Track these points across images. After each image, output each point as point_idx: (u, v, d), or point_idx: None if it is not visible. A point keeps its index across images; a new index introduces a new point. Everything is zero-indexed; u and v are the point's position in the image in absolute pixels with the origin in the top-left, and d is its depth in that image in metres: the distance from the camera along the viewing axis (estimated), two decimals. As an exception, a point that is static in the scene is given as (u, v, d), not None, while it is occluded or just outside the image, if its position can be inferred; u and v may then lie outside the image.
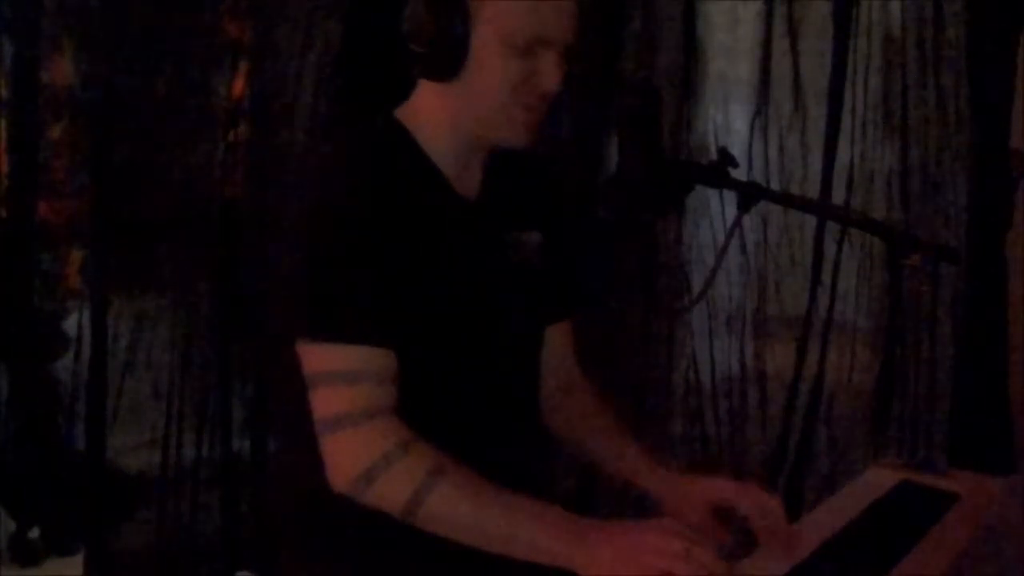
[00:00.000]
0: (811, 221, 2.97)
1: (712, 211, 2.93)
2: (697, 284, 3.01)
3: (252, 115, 2.75)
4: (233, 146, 2.74)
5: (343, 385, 1.23)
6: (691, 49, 2.98)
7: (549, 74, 1.28)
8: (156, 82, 2.69)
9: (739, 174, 1.39)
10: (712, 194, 2.82)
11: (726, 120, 3.05)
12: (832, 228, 2.95)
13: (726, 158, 1.37)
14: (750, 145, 3.01)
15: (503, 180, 1.41)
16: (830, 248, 2.98)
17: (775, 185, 2.96)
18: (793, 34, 2.97)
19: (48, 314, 2.79)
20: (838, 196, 2.95)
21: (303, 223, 1.29)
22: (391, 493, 1.21)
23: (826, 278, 2.99)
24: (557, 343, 1.51)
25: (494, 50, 1.26)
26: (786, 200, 2.06)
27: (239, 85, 2.73)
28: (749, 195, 1.38)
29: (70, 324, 2.74)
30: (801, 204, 2.43)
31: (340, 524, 1.32)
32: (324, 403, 1.24)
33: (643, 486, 1.40)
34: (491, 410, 1.37)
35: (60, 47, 2.70)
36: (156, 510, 2.71)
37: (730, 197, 1.41)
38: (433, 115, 1.34)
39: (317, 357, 1.25)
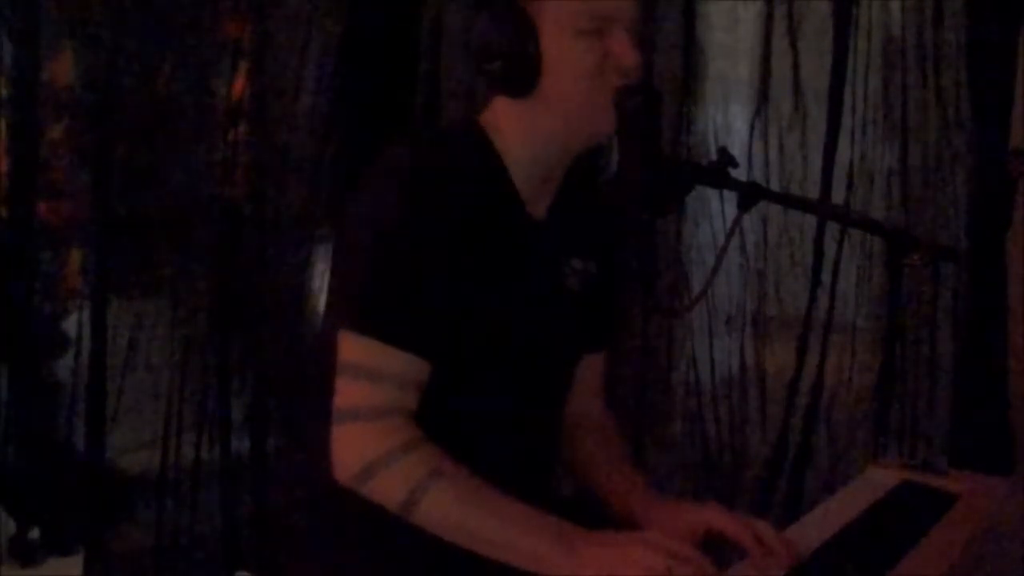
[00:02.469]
0: (811, 221, 2.97)
1: (712, 211, 2.93)
2: (697, 284, 3.01)
3: (252, 115, 2.75)
4: (233, 146, 2.73)
5: (366, 380, 1.24)
6: (691, 49, 2.97)
7: (624, 50, 1.28)
8: (156, 82, 2.69)
9: (739, 174, 1.39)
10: (712, 194, 2.83)
11: (726, 120, 3.04)
12: (832, 228, 2.95)
13: (726, 158, 1.37)
14: (750, 145, 3.01)
15: (572, 205, 1.41)
16: (830, 248, 2.97)
17: (775, 185, 2.96)
18: (793, 34, 2.96)
19: (48, 314, 2.79)
20: (838, 196, 2.94)
21: (373, 215, 1.28)
22: (388, 490, 1.22)
23: (826, 278, 2.98)
24: (587, 374, 1.52)
25: (566, 44, 1.26)
26: (786, 200, 2.06)
27: (239, 85, 2.73)
28: (749, 195, 1.38)
29: (70, 324, 2.74)
30: (801, 204, 2.43)
31: (345, 521, 1.32)
32: (345, 392, 1.25)
33: (630, 510, 1.40)
34: (517, 428, 1.38)
35: (60, 47, 2.70)
36: (156, 510, 2.71)
37: (730, 197, 1.41)
38: (515, 128, 1.33)
39: (351, 346, 1.25)
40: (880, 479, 1.52)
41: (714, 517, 1.31)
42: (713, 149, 2.48)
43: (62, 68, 2.70)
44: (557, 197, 1.39)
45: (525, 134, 1.33)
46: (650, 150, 1.35)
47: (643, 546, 1.13)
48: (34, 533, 2.76)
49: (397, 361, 1.24)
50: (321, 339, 1.32)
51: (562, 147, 1.35)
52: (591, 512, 1.37)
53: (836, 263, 2.97)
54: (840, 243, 2.96)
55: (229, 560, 2.75)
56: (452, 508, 1.21)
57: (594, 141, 1.36)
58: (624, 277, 1.61)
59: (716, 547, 1.29)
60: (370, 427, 1.23)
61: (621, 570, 1.12)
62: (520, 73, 1.27)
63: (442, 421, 1.27)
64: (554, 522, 1.20)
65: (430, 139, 1.36)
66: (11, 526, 2.75)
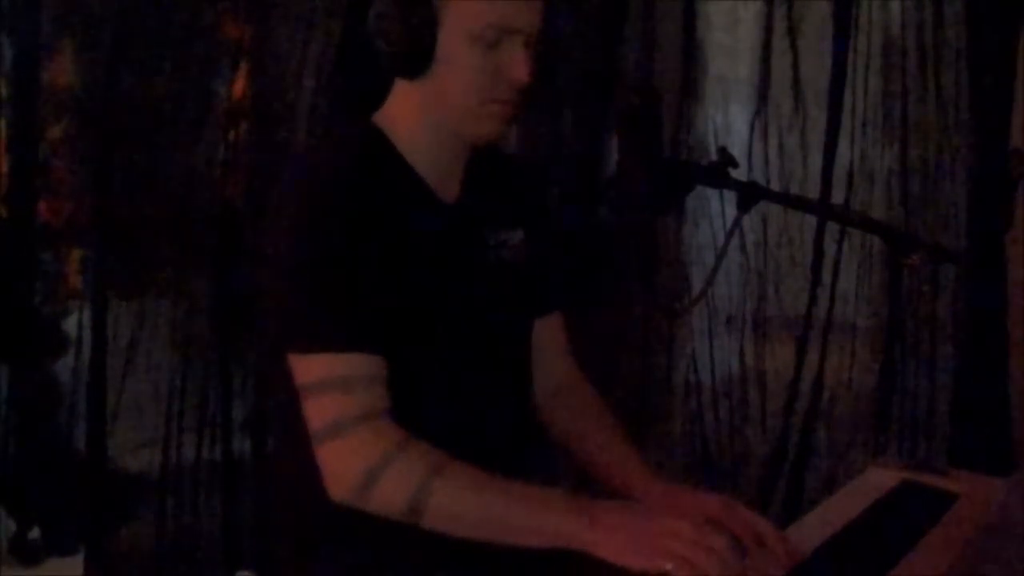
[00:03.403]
0: (811, 221, 2.97)
1: (712, 211, 2.93)
2: (697, 284, 3.01)
3: (252, 115, 2.74)
4: (233, 146, 2.73)
5: (336, 392, 1.23)
6: (691, 49, 2.98)
7: (517, 64, 1.28)
8: (156, 82, 2.69)
9: (739, 174, 1.39)
10: (712, 194, 2.83)
11: (726, 120, 3.05)
12: (832, 228, 2.95)
13: (726, 158, 1.37)
14: (750, 145, 3.01)
15: (483, 181, 1.41)
16: (830, 248, 2.98)
17: (775, 185, 2.96)
18: (793, 34, 2.97)
19: (48, 314, 2.79)
20: (838, 196, 2.95)
21: (284, 234, 1.29)
22: (393, 494, 1.20)
23: (826, 278, 2.98)
24: (548, 339, 1.52)
25: (460, 45, 1.27)
26: (786, 200, 2.07)
27: (239, 85, 2.73)
28: (749, 195, 1.39)
29: (70, 324, 2.74)
30: (801, 204, 2.43)
31: (336, 530, 1.32)
32: (317, 412, 1.24)
33: (631, 493, 1.39)
34: (481, 407, 1.37)
35: (60, 47, 2.70)
36: (156, 510, 2.71)
37: (730, 197, 1.41)
38: (409, 117, 1.35)
39: (306, 368, 1.25)
40: (880, 479, 1.52)
41: (715, 509, 1.29)
42: (713, 149, 2.49)
43: (62, 68, 2.70)
44: (466, 177, 1.40)
45: (420, 121, 1.34)
46: (650, 150, 1.35)
47: (673, 517, 1.12)
48: (34, 533, 2.76)
49: (354, 365, 1.23)
50: (273, 365, 1.31)
51: (454, 138, 1.35)
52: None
53: (836, 263, 2.98)
54: (840, 243, 2.96)
55: (229, 560, 2.75)
56: (463, 499, 1.19)
57: (480, 142, 1.36)
58: (565, 242, 1.60)
59: None
60: (355, 437, 1.22)
61: (652, 540, 1.11)
62: (413, 51, 1.28)
63: (407, 414, 1.26)
64: (567, 496, 1.19)
65: (325, 145, 1.38)
66: (11, 526, 2.75)
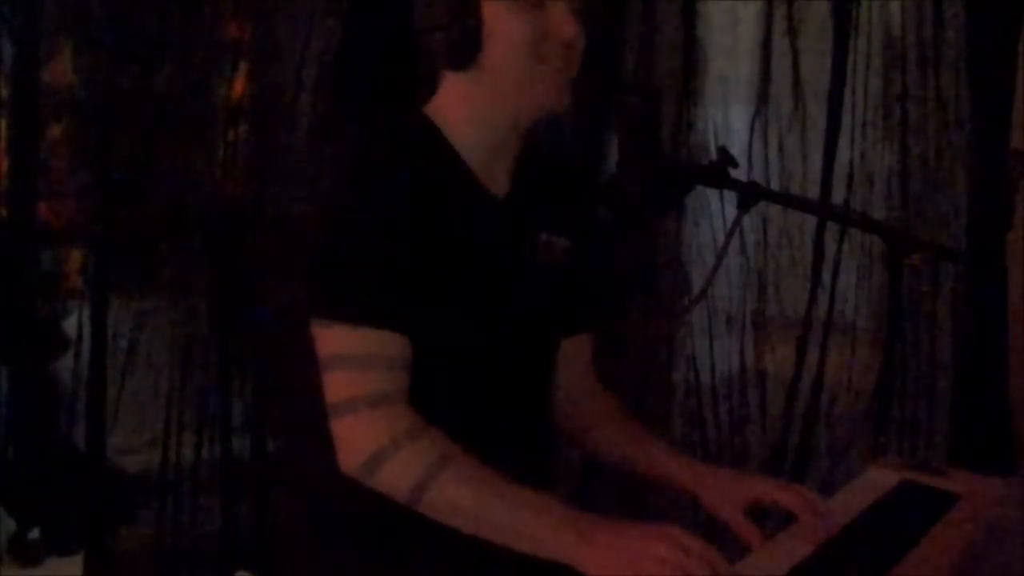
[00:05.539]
0: (811, 221, 2.97)
1: (712, 211, 2.93)
2: (697, 284, 3.01)
3: (252, 115, 2.75)
4: (233, 146, 2.74)
5: (355, 369, 1.24)
6: (691, 49, 2.98)
7: (564, 22, 1.29)
8: (156, 82, 2.69)
9: (739, 174, 1.39)
10: (712, 194, 2.83)
11: (726, 120, 3.04)
12: (832, 228, 2.95)
13: (726, 158, 1.37)
14: (750, 145, 3.01)
15: (533, 181, 1.41)
16: (830, 248, 2.98)
17: (775, 185, 2.96)
18: (793, 34, 2.97)
19: (48, 314, 2.79)
20: (838, 196, 2.94)
21: (328, 208, 1.30)
22: (396, 479, 1.21)
23: (826, 278, 2.98)
24: (574, 353, 1.51)
25: (503, 14, 1.27)
26: (786, 200, 2.07)
27: (239, 85, 2.73)
28: (749, 195, 1.39)
29: (70, 324, 2.74)
30: (801, 204, 2.44)
31: (351, 517, 1.32)
32: (336, 386, 1.25)
33: (678, 484, 1.41)
34: (500, 405, 1.37)
35: (60, 47, 2.70)
36: (156, 510, 2.71)
37: (730, 197, 1.41)
38: (460, 110, 1.34)
39: (331, 340, 1.26)
40: (880, 479, 1.52)
41: (765, 488, 1.34)
42: (713, 149, 2.48)
43: (62, 68, 2.71)
44: (516, 172, 1.40)
45: (470, 112, 1.34)
46: (650, 150, 1.35)
47: (661, 541, 1.13)
48: (34, 533, 2.76)
49: (378, 342, 1.24)
50: (298, 347, 1.32)
51: (508, 122, 1.35)
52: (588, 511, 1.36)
53: (836, 263, 2.98)
54: (840, 243, 2.96)
55: (229, 560, 2.75)
56: (462, 494, 1.20)
57: (539, 114, 1.35)
58: (607, 261, 1.61)
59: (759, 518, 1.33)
60: (370, 416, 1.23)
61: (637, 563, 1.11)
62: (462, 43, 1.28)
63: (427, 402, 1.27)
64: (568, 510, 1.19)
65: (376, 128, 1.38)
66: (11, 526, 2.75)
